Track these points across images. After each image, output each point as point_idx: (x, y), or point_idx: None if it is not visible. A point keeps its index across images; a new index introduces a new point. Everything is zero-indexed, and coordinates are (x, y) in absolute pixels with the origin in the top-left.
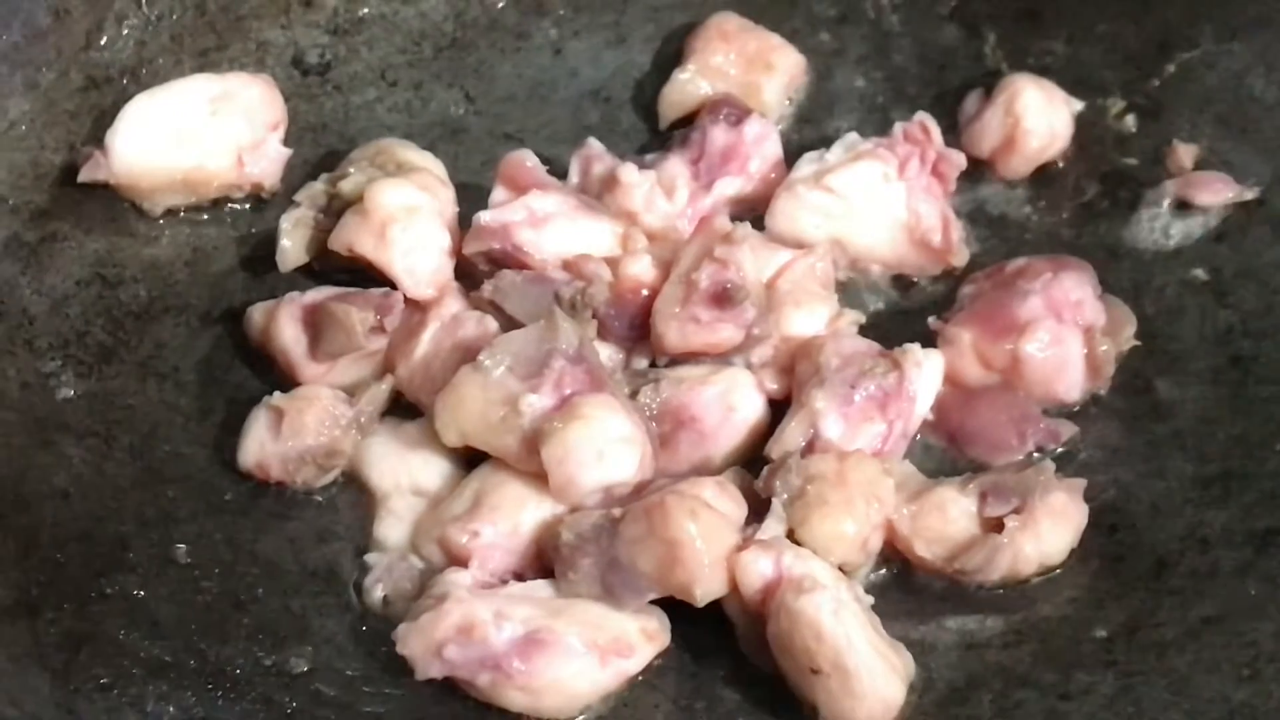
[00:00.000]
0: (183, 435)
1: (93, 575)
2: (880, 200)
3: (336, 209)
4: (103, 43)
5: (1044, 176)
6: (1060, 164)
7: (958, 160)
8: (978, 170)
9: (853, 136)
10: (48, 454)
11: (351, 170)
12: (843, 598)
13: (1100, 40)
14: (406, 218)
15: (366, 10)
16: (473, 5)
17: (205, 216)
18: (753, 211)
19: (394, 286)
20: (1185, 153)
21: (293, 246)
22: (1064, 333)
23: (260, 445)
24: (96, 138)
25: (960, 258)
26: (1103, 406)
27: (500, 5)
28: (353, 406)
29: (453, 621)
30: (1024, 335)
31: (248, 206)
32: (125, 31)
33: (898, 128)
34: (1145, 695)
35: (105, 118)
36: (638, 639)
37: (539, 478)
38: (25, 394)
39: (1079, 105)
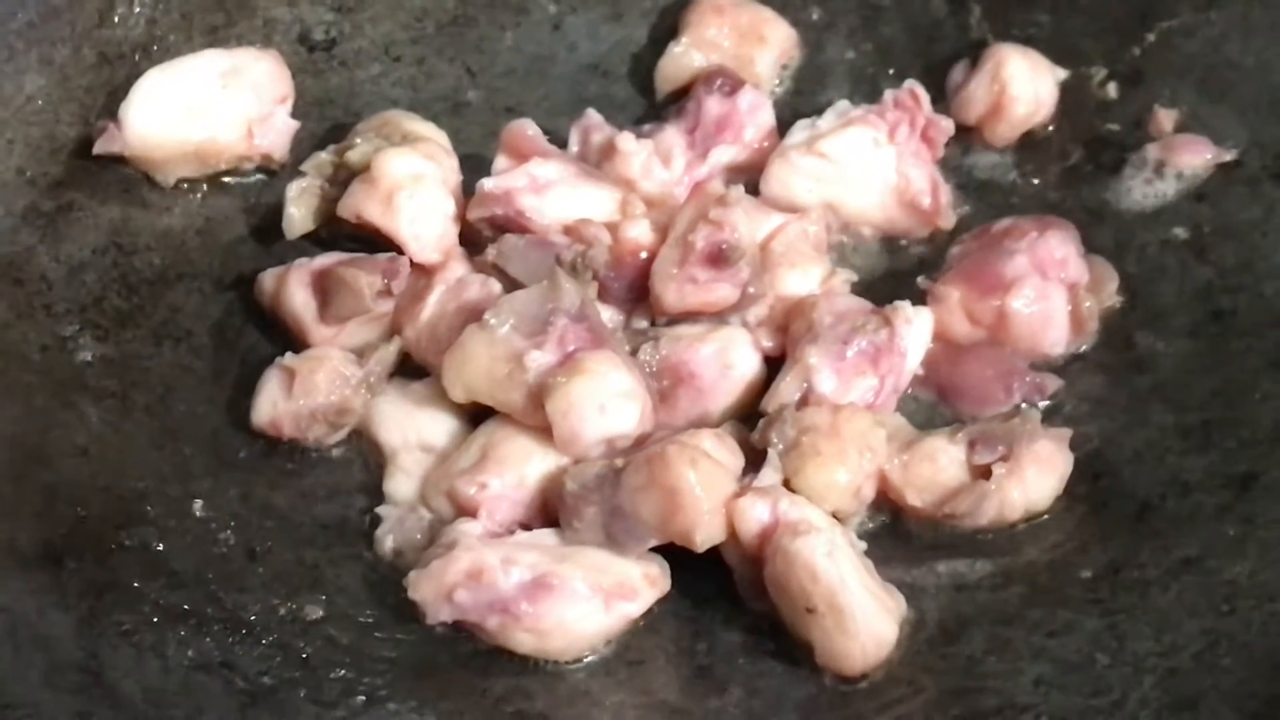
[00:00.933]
0: (197, 395)
1: (113, 528)
2: (871, 165)
3: (343, 178)
4: (115, 20)
5: (1029, 142)
6: (1045, 130)
7: (946, 126)
8: (965, 137)
9: (844, 104)
10: (68, 414)
11: (358, 141)
12: (837, 540)
13: (1083, 10)
14: (413, 185)
15: None
16: None
17: (216, 187)
18: (747, 179)
19: (400, 251)
20: (1166, 117)
21: (299, 214)
22: (1049, 289)
23: (273, 404)
24: (110, 111)
25: (948, 220)
26: (1087, 360)
27: None
28: (362, 367)
29: (462, 567)
30: (1010, 292)
31: (257, 177)
32: (137, 9)
33: (888, 95)
34: (1129, 631)
35: (119, 92)
36: (641, 583)
37: (544, 431)
38: (45, 357)
39: (1063, 73)
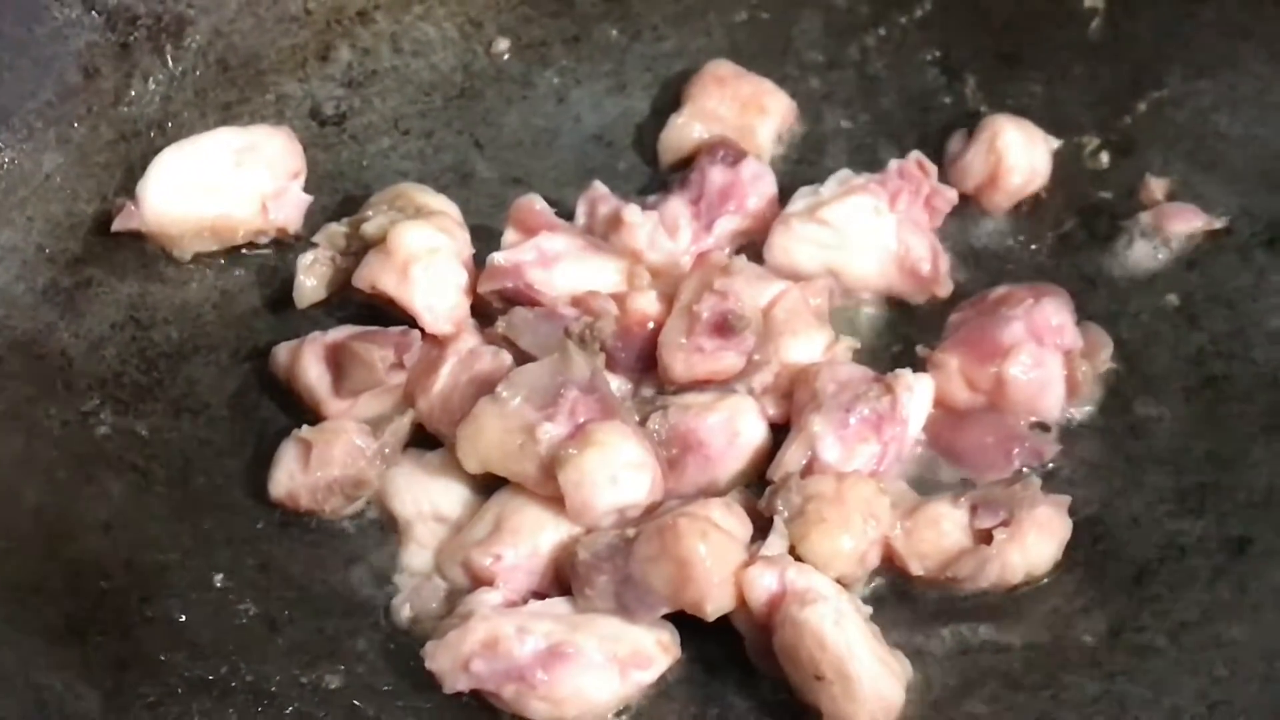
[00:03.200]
0: (216, 468)
1: (136, 601)
2: (871, 232)
3: (355, 249)
4: (130, 98)
5: (1025, 210)
6: (1040, 198)
7: (950, 196)
8: (962, 205)
9: (845, 172)
10: (90, 488)
11: (371, 213)
12: (843, 609)
13: (1074, 81)
14: (428, 257)
15: (379, 64)
16: (479, 57)
17: (231, 260)
18: (751, 247)
19: (413, 322)
20: (1157, 186)
21: (310, 284)
22: (1045, 355)
23: (290, 476)
24: (127, 189)
25: (945, 288)
26: (1084, 426)
27: (506, 57)
28: (376, 439)
29: (478, 637)
30: (1008, 359)
31: (271, 250)
32: (151, 87)
33: (893, 164)
34: (1129, 695)
35: (135, 169)
36: (654, 650)
37: (556, 501)
38: (66, 431)
39: (1056, 143)
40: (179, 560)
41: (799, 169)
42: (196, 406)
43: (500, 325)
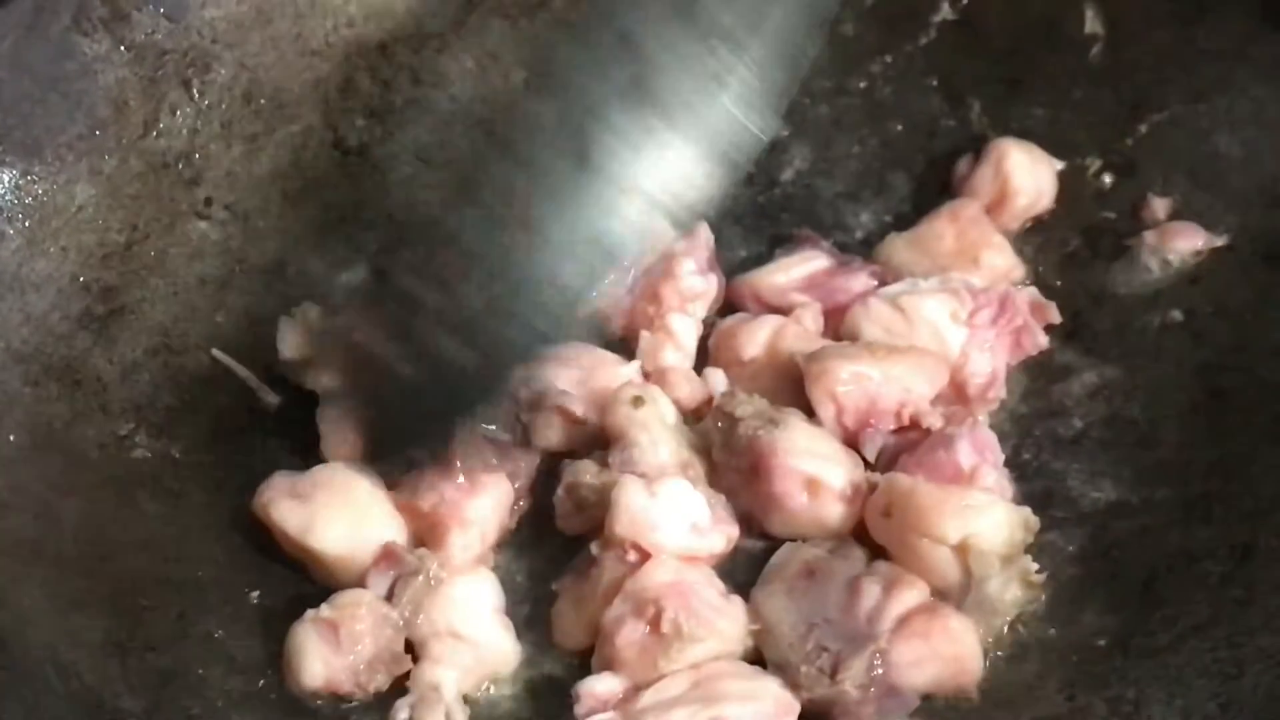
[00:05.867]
0: (249, 488)
1: (175, 618)
2: (939, 334)
3: None
4: (159, 131)
5: (1031, 230)
6: (1046, 218)
7: (1041, 341)
8: None
9: (956, 276)
10: (127, 508)
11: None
12: None
13: (1077, 105)
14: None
15: (399, 95)
16: (496, 89)
17: (259, 288)
18: None
19: None
20: (1159, 205)
21: None
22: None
23: (324, 663)
24: (157, 219)
25: (980, 411)
26: (1092, 439)
27: (523, 88)
28: (394, 605)
29: None
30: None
31: (298, 279)
32: (179, 120)
33: (1005, 288)
34: (1142, 697)
35: (164, 200)
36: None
37: None
38: (103, 454)
39: (1060, 165)
40: (215, 578)
41: (807, 193)
42: (229, 429)
43: None
